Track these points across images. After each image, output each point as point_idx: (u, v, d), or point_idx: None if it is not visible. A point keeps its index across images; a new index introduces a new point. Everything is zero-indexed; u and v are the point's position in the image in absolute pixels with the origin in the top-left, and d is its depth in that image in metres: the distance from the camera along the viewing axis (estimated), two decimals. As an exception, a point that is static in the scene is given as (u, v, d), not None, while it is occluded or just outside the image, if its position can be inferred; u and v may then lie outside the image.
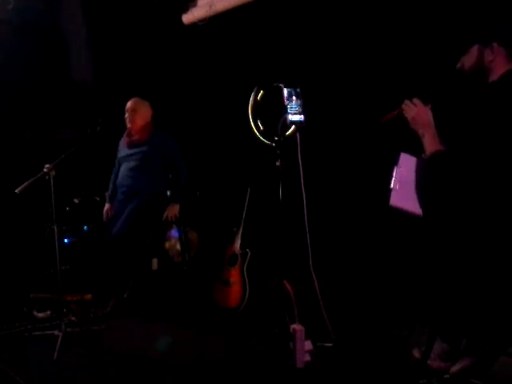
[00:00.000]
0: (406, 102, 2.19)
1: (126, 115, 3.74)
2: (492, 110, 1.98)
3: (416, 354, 2.44)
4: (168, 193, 3.85)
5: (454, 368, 2.18)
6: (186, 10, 4.73)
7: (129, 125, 3.75)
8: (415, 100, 2.18)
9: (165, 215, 3.71)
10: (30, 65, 4.69)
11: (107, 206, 3.87)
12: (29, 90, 4.69)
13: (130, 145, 3.77)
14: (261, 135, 2.70)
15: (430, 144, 2.09)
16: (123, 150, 3.83)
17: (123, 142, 3.86)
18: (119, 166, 3.85)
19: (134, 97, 3.81)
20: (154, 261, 4.05)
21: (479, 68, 2.13)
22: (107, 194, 3.92)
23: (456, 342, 2.25)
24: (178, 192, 3.77)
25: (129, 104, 3.76)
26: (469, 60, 2.15)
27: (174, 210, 3.73)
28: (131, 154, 3.74)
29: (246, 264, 3.33)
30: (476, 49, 2.12)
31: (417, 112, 2.15)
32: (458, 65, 2.21)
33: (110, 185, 3.91)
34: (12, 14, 4.45)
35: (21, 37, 4.64)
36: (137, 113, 3.73)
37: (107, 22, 4.89)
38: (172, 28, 4.84)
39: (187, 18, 4.75)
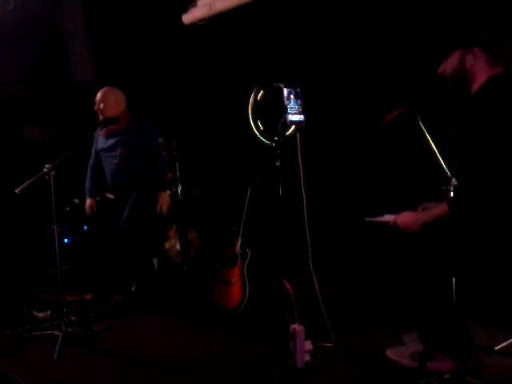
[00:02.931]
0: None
1: (96, 107, 3.65)
2: (480, 121, 2.00)
3: (389, 354, 2.46)
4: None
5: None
6: (186, 10, 4.73)
7: (101, 117, 3.65)
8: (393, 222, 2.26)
9: (158, 208, 3.62)
10: (29, 65, 4.69)
11: (89, 201, 3.80)
12: (29, 89, 4.69)
13: (108, 134, 3.67)
14: (261, 135, 2.70)
15: (436, 213, 2.13)
16: (101, 141, 3.73)
17: (99, 133, 3.74)
18: (99, 159, 3.77)
19: (105, 86, 3.72)
20: (154, 261, 4.06)
21: (461, 73, 2.16)
22: (86, 187, 3.84)
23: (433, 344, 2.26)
24: (162, 179, 3.70)
25: (98, 95, 3.66)
26: (450, 65, 2.18)
27: (165, 200, 3.65)
28: (111, 146, 3.65)
29: (246, 264, 3.33)
30: (458, 54, 2.15)
31: (405, 225, 2.20)
32: (439, 70, 2.23)
33: (88, 177, 3.84)
34: (12, 14, 4.45)
35: (21, 37, 4.64)
36: (106, 103, 3.62)
37: (107, 21, 4.89)
38: (172, 28, 4.84)
39: (187, 17, 4.75)
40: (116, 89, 3.72)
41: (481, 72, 2.11)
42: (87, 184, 3.85)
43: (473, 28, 2.21)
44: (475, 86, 2.14)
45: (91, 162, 3.84)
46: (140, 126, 3.66)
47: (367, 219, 2.40)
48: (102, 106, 3.62)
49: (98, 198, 4.02)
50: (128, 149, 3.61)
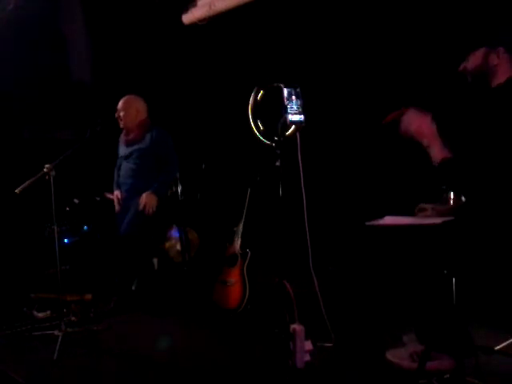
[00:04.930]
0: (407, 112, 2.17)
1: (117, 115, 3.71)
2: (499, 113, 1.99)
3: (389, 356, 2.46)
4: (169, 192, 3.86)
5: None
6: (186, 10, 4.73)
7: (121, 125, 3.73)
8: (414, 110, 2.16)
9: (142, 205, 3.55)
10: (29, 64, 4.69)
11: (116, 192, 3.82)
12: (28, 89, 4.69)
13: (128, 143, 3.77)
14: (261, 135, 2.70)
15: (438, 152, 2.07)
16: (122, 149, 3.84)
17: (122, 139, 3.85)
18: (120, 164, 3.86)
19: (126, 95, 3.77)
20: (154, 261, 4.06)
21: (482, 71, 2.16)
22: (114, 183, 3.89)
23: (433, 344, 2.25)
24: (159, 185, 3.65)
25: (119, 104, 3.73)
26: (473, 62, 2.18)
27: (150, 199, 3.56)
28: (130, 154, 3.74)
29: (246, 264, 3.33)
30: (482, 51, 2.15)
31: (419, 123, 2.12)
32: (461, 67, 2.23)
33: (116, 174, 3.91)
34: (12, 14, 4.46)
35: (21, 37, 4.64)
36: (127, 112, 3.69)
37: (107, 21, 4.89)
38: (172, 28, 4.84)
39: (187, 17, 4.75)
40: (138, 97, 3.79)
41: (503, 71, 2.11)
42: (115, 178, 3.90)
43: (495, 27, 2.21)
44: (495, 83, 2.14)
45: (116, 166, 3.92)
46: (158, 136, 3.70)
47: (367, 223, 2.39)
48: (122, 114, 3.69)
49: (98, 198, 4.03)
50: (144, 158, 3.67)
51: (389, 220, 2.33)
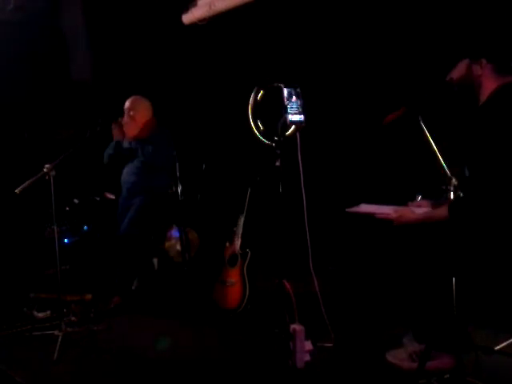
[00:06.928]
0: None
1: (125, 115, 3.75)
2: (492, 129, 2.03)
3: (389, 357, 2.46)
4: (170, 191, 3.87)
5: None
6: (186, 9, 4.74)
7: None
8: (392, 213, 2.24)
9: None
10: (29, 64, 4.69)
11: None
12: (28, 89, 4.69)
13: (133, 139, 3.78)
14: (261, 135, 2.70)
15: (436, 216, 2.14)
16: (125, 144, 3.82)
17: (126, 138, 3.86)
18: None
19: (133, 95, 3.82)
20: (154, 261, 4.06)
21: (468, 81, 2.21)
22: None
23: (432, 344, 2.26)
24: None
25: (126, 103, 3.78)
26: (457, 73, 2.24)
27: None
28: (133, 150, 3.74)
29: (246, 264, 3.33)
30: (465, 63, 2.20)
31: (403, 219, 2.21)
32: (447, 77, 2.29)
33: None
34: (12, 14, 4.46)
35: (21, 37, 4.64)
36: (135, 111, 3.74)
37: (107, 21, 4.89)
38: (172, 28, 4.85)
39: (187, 17, 4.75)
40: (143, 97, 3.85)
41: (488, 81, 2.15)
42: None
43: (482, 38, 2.23)
44: (484, 94, 2.16)
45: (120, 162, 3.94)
46: (162, 134, 3.74)
47: (348, 210, 2.41)
48: (131, 113, 3.73)
49: (98, 198, 4.03)
50: (147, 156, 3.67)
51: (364, 207, 2.36)
